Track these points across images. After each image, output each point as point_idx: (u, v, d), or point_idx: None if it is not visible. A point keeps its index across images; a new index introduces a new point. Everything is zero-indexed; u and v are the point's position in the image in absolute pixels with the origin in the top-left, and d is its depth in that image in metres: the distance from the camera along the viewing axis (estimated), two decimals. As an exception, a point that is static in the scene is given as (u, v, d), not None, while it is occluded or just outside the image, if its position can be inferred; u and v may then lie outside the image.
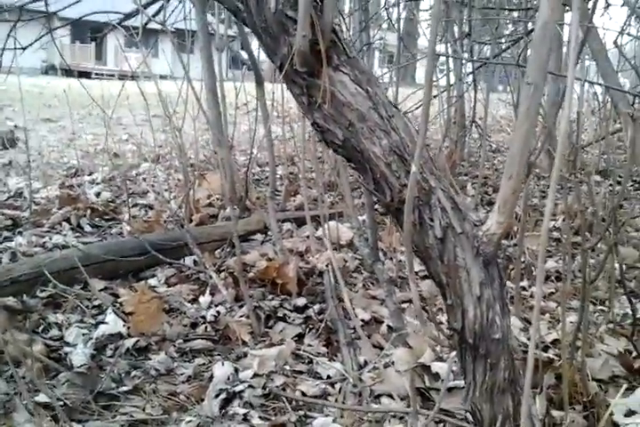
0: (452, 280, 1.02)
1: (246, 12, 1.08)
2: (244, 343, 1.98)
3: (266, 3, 1.04)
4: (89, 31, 20.33)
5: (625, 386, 1.48)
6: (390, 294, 1.93)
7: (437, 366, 1.75)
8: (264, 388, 1.69)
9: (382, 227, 3.07)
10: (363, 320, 2.14)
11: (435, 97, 4.99)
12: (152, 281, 2.42)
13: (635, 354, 1.85)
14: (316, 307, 2.22)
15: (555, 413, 1.52)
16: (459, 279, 1.02)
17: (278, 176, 4.07)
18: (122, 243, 2.57)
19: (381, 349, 1.96)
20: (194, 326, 2.11)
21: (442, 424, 1.51)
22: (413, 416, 1.30)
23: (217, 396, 1.64)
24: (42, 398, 1.52)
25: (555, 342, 1.96)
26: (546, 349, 1.90)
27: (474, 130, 5.24)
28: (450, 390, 1.68)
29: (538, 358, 1.59)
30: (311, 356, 1.88)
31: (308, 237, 3.02)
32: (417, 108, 3.36)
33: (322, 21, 1.02)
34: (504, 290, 1.05)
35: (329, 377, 1.76)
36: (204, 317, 2.15)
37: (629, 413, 1.63)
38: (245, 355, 1.90)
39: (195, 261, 2.58)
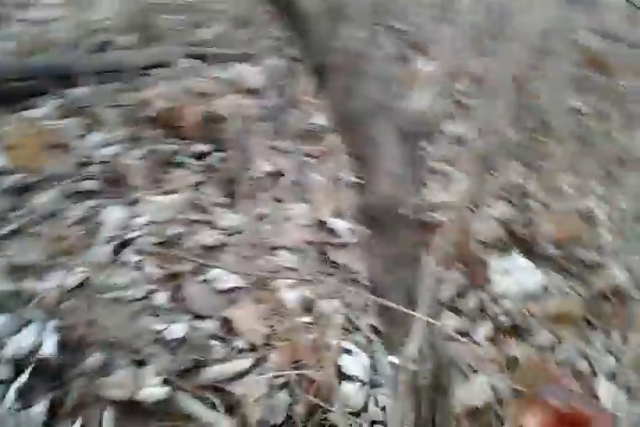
0: (368, 154, 0.96)
1: None
2: (137, 188, 1.88)
3: None
4: None
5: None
6: (297, 149, 1.86)
7: (334, 223, 1.77)
8: (159, 236, 1.64)
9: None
10: (265, 172, 2.09)
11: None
12: (37, 112, 2.18)
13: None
14: (218, 155, 2.12)
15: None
16: (375, 154, 0.95)
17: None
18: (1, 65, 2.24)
19: (281, 202, 1.94)
20: (83, 165, 1.96)
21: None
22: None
23: (108, 242, 1.57)
24: None
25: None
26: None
27: None
28: (344, 245, 1.73)
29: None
30: (209, 206, 1.83)
31: (214, 78, 2.81)
32: None
33: None
34: (423, 170, 1.01)
35: (227, 229, 1.74)
36: (93, 156, 2.00)
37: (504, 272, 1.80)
38: (139, 201, 1.81)
39: (86, 93, 2.34)
